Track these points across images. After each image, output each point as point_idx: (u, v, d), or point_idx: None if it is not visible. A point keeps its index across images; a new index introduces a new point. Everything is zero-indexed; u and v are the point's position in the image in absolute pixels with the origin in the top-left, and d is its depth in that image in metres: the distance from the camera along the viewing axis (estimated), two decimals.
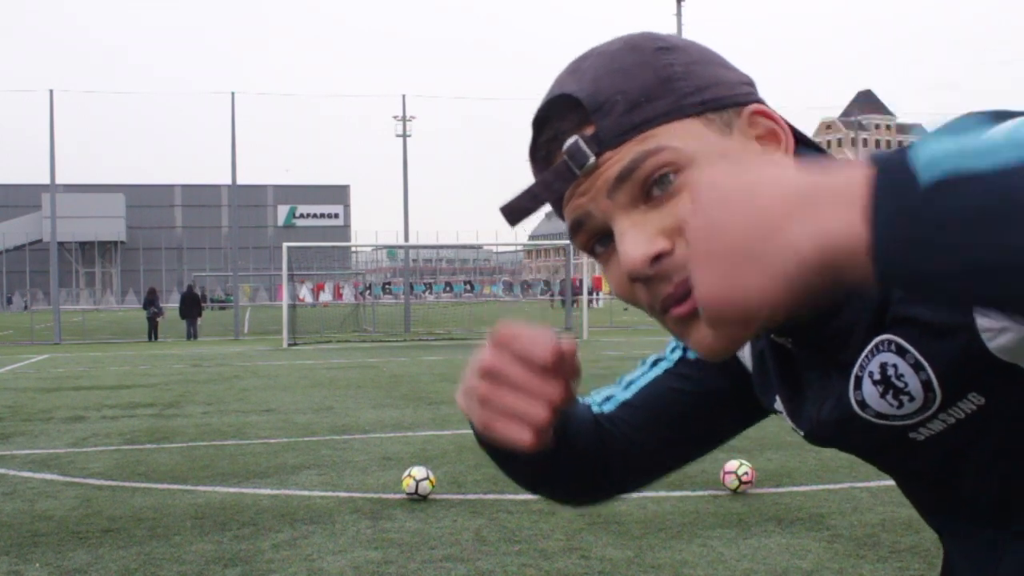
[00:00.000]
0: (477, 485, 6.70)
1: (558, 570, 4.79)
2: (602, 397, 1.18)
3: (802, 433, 0.98)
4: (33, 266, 72.65)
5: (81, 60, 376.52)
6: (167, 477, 7.23)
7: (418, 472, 6.30)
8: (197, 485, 6.92)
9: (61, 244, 64.34)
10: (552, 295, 34.35)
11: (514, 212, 0.84)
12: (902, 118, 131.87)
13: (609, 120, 0.81)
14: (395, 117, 34.04)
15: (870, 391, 0.85)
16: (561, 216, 0.89)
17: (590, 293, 40.56)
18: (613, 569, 4.79)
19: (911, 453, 0.91)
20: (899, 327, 0.82)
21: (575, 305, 31.18)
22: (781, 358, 0.97)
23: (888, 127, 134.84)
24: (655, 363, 1.15)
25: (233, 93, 30.49)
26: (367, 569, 4.86)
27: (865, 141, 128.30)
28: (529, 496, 6.30)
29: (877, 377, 0.84)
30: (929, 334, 0.80)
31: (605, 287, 66.40)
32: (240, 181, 31.50)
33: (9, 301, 69.60)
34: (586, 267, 30.70)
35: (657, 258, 0.81)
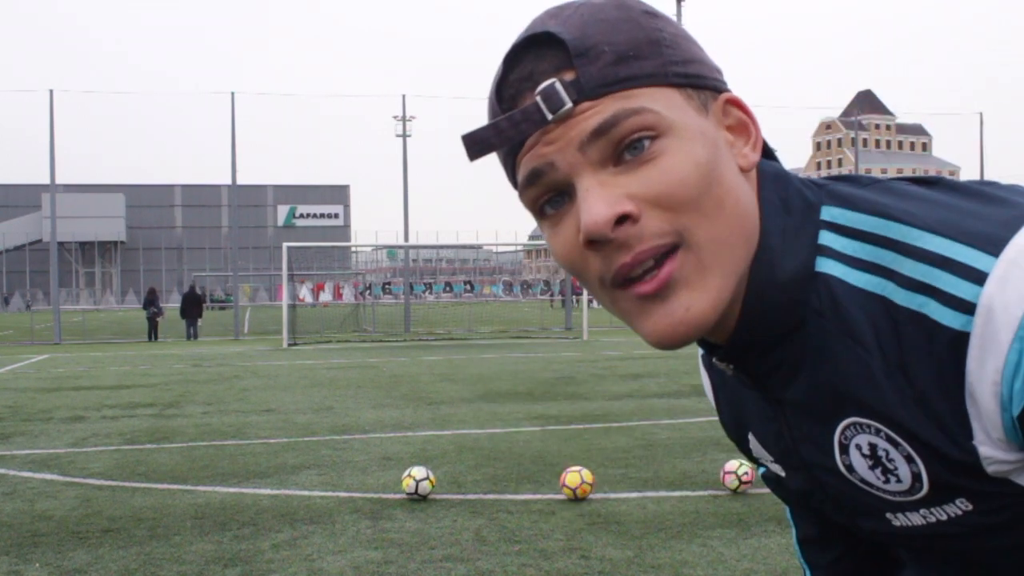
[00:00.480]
0: (477, 485, 6.70)
1: (558, 570, 4.79)
2: None
3: (782, 474, 0.96)
4: (33, 266, 72.66)
5: (81, 60, 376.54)
6: (167, 477, 7.23)
7: (418, 472, 6.29)
8: (197, 485, 6.91)
9: (61, 244, 64.35)
10: (552, 295, 34.31)
11: (476, 143, 0.77)
12: (902, 118, 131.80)
13: (593, 68, 0.76)
14: (395, 117, 34.04)
15: (859, 461, 0.83)
16: (510, 167, 0.82)
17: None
18: (613, 569, 4.79)
19: (886, 532, 0.90)
20: (888, 421, 0.79)
21: (575, 305, 31.18)
22: (739, 401, 0.96)
23: (888, 127, 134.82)
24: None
25: (233, 93, 30.52)
26: (367, 569, 4.86)
27: (865, 141, 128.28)
28: (529, 496, 6.31)
29: (866, 452, 0.82)
30: (926, 440, 0.78)
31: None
32: (240, 181, 31.51)
33: (6, 301, 69.56)
34: None
35: (620, 221, 0.75)
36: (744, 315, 0.81)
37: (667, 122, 0.76)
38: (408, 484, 6.23)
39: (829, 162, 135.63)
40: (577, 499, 6.10)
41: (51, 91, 28.48)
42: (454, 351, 21.07)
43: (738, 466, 6.28)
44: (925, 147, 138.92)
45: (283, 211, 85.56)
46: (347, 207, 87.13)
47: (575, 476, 6.15)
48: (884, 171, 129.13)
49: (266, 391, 13.18)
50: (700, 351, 0.99)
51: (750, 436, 0.97)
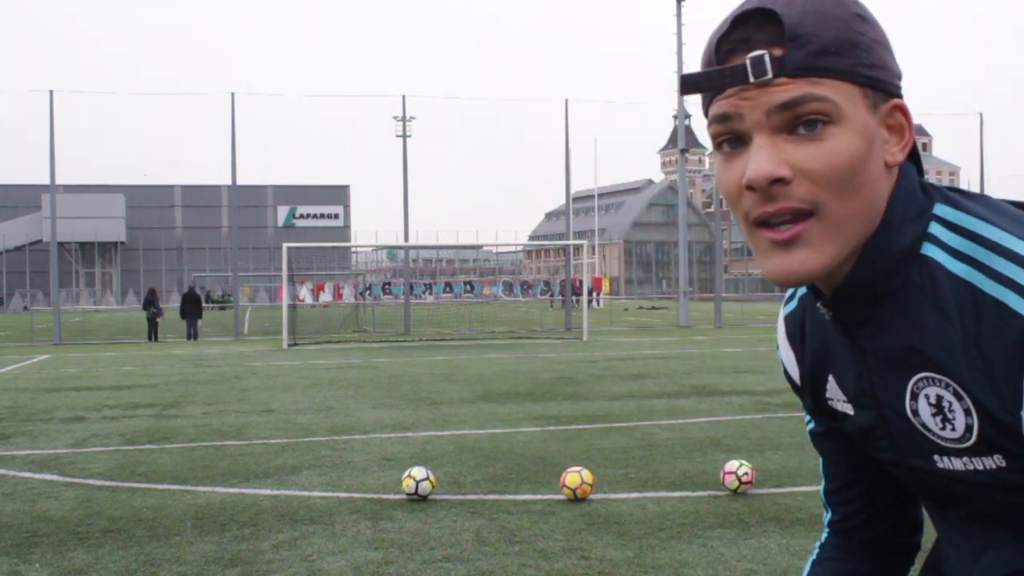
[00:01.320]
0: (477, 485, 6.70)
1: (558, 570, 4.79)
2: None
3: (850, 412, 1.13)
4: (33, 266, 72.62)
5: (81, 60, 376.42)
6: (167, 477, 7.23)
7: (418, 472, 6.29)
8: (197, 485, 6.92)
9: (61, 244, 64.29)
10: (552, 295, 34.32)
11: (690, 84, 0.96)
12: None
13: (799, 53, 0.92)
14: (395, 117, 34.00)
15: (924, 408, 1.01)
16: (706, 102, 0.99)
17: (590, 293, 40.53)
18: (613, 569, 4.79)
19: (928, 471, 1.06)
20: (957, 378, 0.96)
21: (575, 305, 31.17)
22: (827, 344, 1.13)
23: None
24: (807, 424, 1.32)
25: (233, 93, 30.48)
26: (367, 569, 4.86)
27: None
28: (529, 496, 6.31)
29: (933, 402, 0.99)
30: (984, 401, 0.95)
31: (605, 287, 66.33)
32: (240, 181, 31.47)
33: (2, 302, 69.58)
34: (586, 267, 30.68)
35: (776, 181, 0.92)
36: (853, 274, 0.99)
37: (841, 112, 0.93)
38: (408, 484, 6.23)
39: None
40: (577, 499, 6.10)
41: (51, 91, 28.43)
42: (454, 351, 21.07)
43: (738, 466, 6.28)
44: (925, 147, 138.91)
45: (283, 211, 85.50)
46: (347, 207, 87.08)
47: (575, 476, 6.15)
48: None
49: (266, 391, 13.18)
50: (783, 312, 1.23)
51: (829, 377, 1.15)
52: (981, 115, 37.51)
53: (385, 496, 6.44)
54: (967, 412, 0.96)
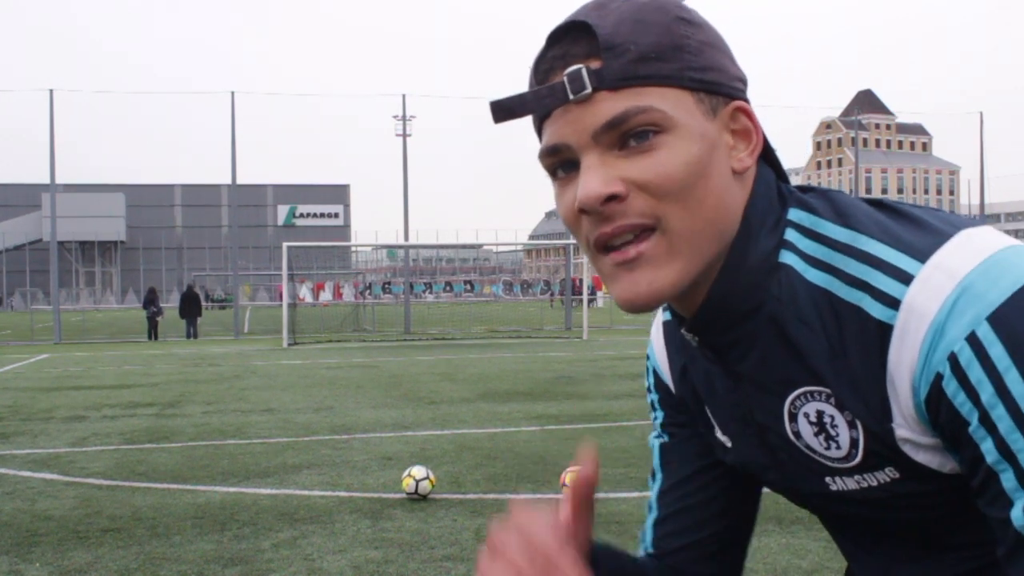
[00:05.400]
0: (477, 485, 6.70)
1: None
2: (644, 535, 1.22)
3: (728, 444, 1.06)
4: (33, 266, 72.63)
5: (81, 60, 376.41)
6: (167, 477, 7.23)
7: (418, 472, 6.29)
8: (197, 485, 6.91)
9: (61, 244, 64.34)
10: (552, 295, 34.31)
11: (502, 110, 0.89)
12: (902, 118, 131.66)
13: (617, 63, 0.86)
14: (395, 117, 34.01)
15: (805, 428, 0.94)
16: (536, 128, 0.94)
17: (590, 293, 40.53)
18: None
19: (822, 495, 1.00)
20: (834, 391, 0.91)
21: (575, 305, 31.18)
22: (700, 372, 1.06)
23: (888, 127, 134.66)
24: (656, 438, 1.21)
25: (233, 93, 30.48)
26: (367, 569, 4.86)
27: (865, 141, 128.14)
28: (529, 496, 6.31)
29: (813, 419, 0.93)
30: (858, 414, 0.90)
31: (605, 287, 66.27)
32: (240, 181, 31.49)
33: (3, 302, 69.57)
34: (586, 267, 30.69)
35: (609, 199, 0.87)
36: (713, 291, 0.93)
37: (671, 120, 0.87)
38: (408, 484, 6.23)
39: (829, 161, 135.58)
40: None
41: (51, 91, 28.44)
42: (454, 351, 21.07)
43: None
44: (925, 147, 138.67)
45: (283, 211, 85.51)
46: (347, 207, 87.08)
47: (575, 476, 6.15)
48: (884, 171, 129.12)
49: (266, 391, 13.18)
50: (663, 316, 1.14)
51: (706, 409, 1.08)
52: (981, 115, 37.56)
53: (385, 495, 6.44)
54: (851, 424, 0.90)
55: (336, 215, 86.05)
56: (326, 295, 34.58)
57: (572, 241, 32.50)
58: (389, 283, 35.59)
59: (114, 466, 7.70)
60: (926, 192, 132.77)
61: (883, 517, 0.97)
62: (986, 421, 0.80)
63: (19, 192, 78.07)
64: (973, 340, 0.80)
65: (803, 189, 0.98)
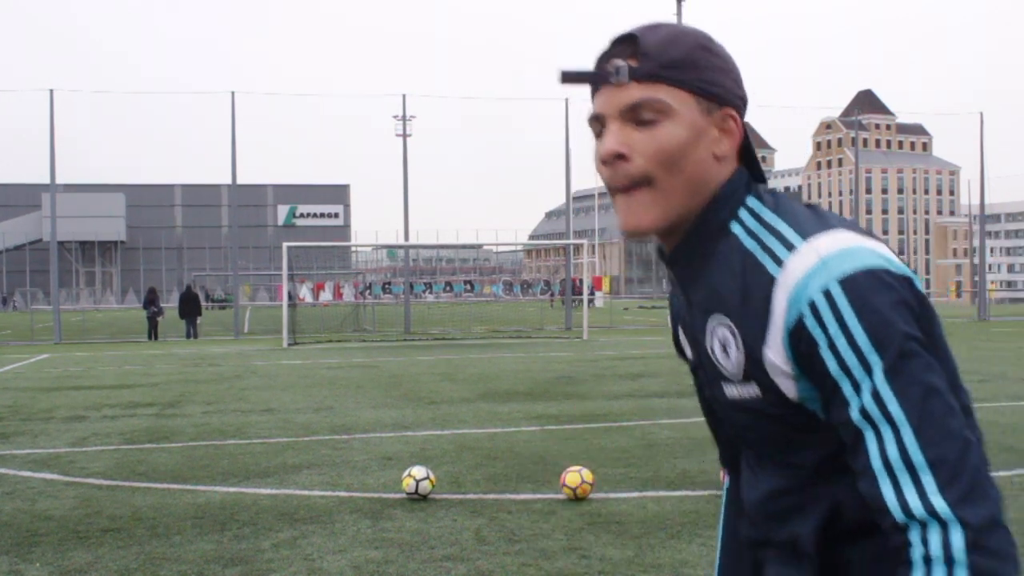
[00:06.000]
0: (477, 485, 6.70)
1: (558, 570, 4.78)
2: None
3: (690, 355, 1.47)
4: (33, 266, 72.63)
5: (81, 60, 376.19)
6: (167, 477, 7.23)
7: (418, 472, 6.29)
8: (197, 485, 6.91)
9: (61, 244, 64.30)
10: (552, 295, 34.34)
11: (568, 77, 1.30)
12: (902, 118, 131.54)
13: (648, 65, 1.25)
14: (395, 117, 33.98)
15: (715, 344, 1.32)
16: (592, 93, 1.32)
17: (590, 293, 40.50)
18: (613, 569, 4.79)
19: (721, 400, 1.37)
20: (734, 321, 1.27)
21: (575, 305, 31.17)
22: (681, 305, 1.44)
23: (888, 127, 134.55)
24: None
25: (233, 93, 30.44)
26: (367, 569, 4.86)
27: (865, 141, 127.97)
28: (529, 496, 6.31)
29: (720, 338, 1.31)
30: (747, 339, 1.27)
31: (605, 287, 66.38)
32: (240, 181, 31.46)
33: (4, 301, 69.54)
34: (586, 267, 30.68)
35: (618, 157, 1.26)
36: (683, 238, 1.32)
37: (674, 111, 1.25)
38: (408, 484, 6.23)
39: (829, 162, 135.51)
40: (577, 499, 6.10)
41: (51, 91, 28.41)
42: (454, 351, 21.07)
43: None
44: (925, 147, 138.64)
45: (283, 211, 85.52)
46: (347, 207, 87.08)
47: (575, 476, 6.15)
48: (884, 171, 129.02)
49: (266, 391, 13.18)
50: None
51: (679, 327, 1.49)
52: (981, 115, 37.51)
53: (385, 495, 6.44)
54: (738, 348, 1.27)
55: (336, 215, 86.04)
56: (326, 295, 34.55)
57: (572, 241, 32.49)
58: (389, 283, 35.57)
59: (114, 466, 7.70)
60: (926, 192, 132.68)
61: (753, 424, 1.33)
62: (832, 347, 1.16)
63: (19, 192, 78.06)
64: (827, 294, 1.17)
65: (767, 190, 1.34)
